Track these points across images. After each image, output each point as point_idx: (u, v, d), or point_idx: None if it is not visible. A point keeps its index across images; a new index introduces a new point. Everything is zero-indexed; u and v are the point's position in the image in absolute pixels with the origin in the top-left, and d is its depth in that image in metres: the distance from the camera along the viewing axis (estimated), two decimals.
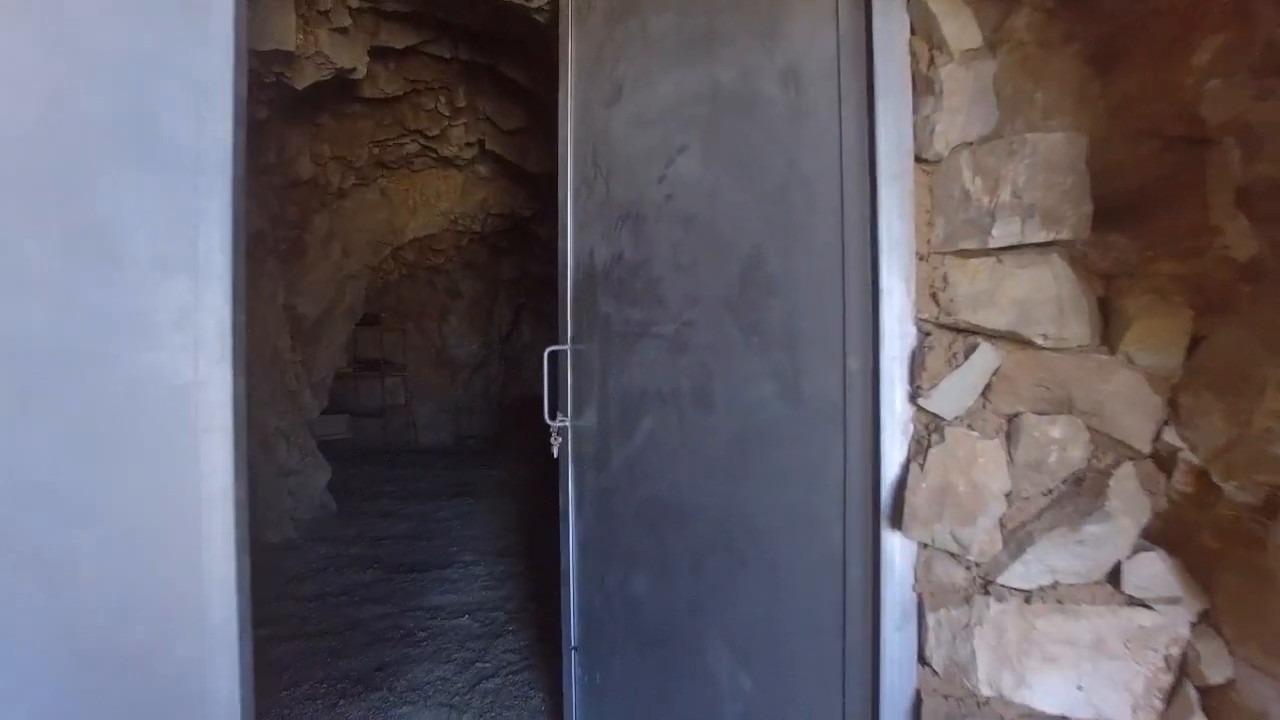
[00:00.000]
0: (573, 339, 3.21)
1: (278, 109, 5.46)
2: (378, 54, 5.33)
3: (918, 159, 1.87)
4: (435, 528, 7.54)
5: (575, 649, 3.20)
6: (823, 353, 2.06)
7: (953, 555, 1.78)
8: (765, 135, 2.25)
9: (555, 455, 3.21)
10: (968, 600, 1.75)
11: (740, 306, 2.32)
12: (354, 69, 4.78)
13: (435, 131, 6.86)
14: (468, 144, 7.31)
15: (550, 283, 11.50)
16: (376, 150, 7.20)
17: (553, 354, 3.22)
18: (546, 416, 3.15)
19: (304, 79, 4.68)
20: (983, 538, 1.72)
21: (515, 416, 13.23)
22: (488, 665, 4.47)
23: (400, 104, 6.50)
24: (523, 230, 10.10)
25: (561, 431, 3.23)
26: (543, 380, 3.23)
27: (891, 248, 1.88)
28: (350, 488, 8.97)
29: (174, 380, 1.75)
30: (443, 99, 6.44)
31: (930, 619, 1.81)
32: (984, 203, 1.74)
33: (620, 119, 2.92)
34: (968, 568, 1.77)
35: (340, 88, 5.41)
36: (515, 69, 5.52)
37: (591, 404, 3.10)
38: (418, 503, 8.50)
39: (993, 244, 1.72)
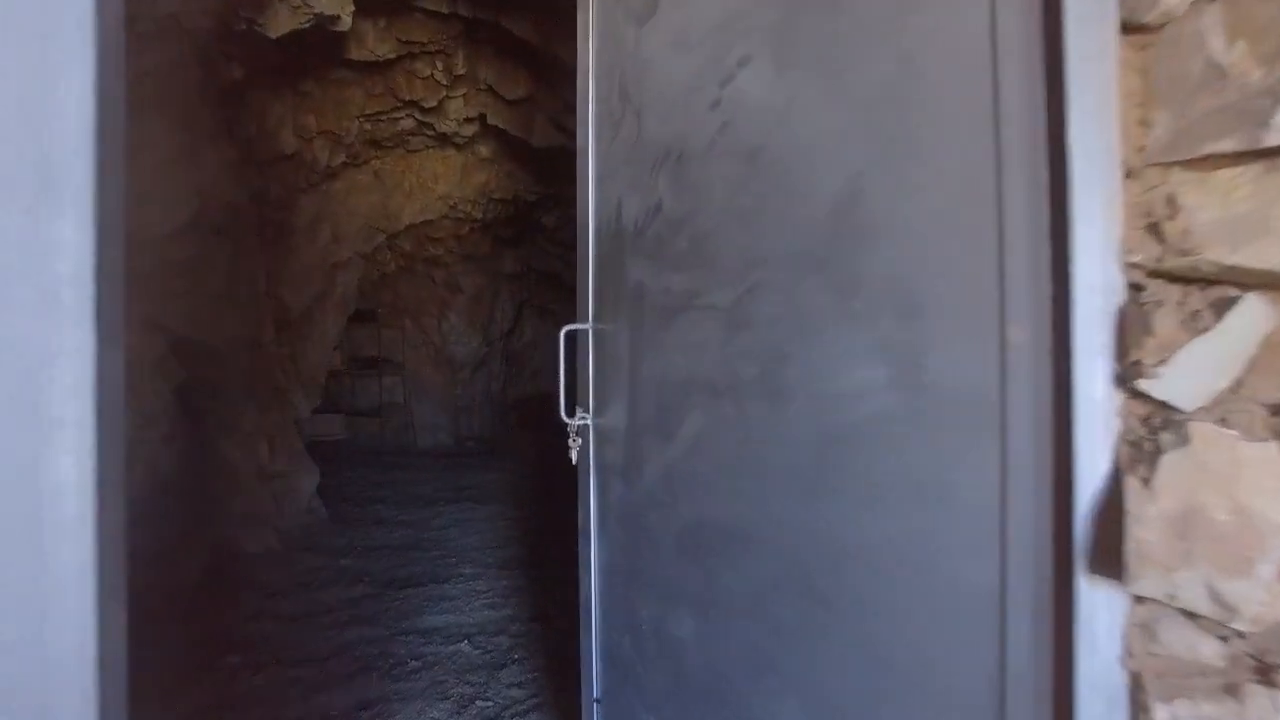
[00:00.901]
0: (595, 317, 2.60)
1: (255, 70, 4.85)
2: (366, 8, 4.72)
3: (1126, 26, 1.27)
4: (432, 537, 6.92)
5: (598, 701, 2.58)
6: (962, 320, 1.44)
7: (1197, 618, 1.18)
8: (865, 24, 1.64)
9: (574, 461, 2.61)
10: (1231, 691, 1.14)
11: (830, 262, 1.70)
12: (337, 17, 4.17)
13: (432, 103, 6.25)
14: (467, 119, 6.70)
15: (555, 278, 10.86)
16: (368, 126, 6.59)
17: (570, 335, 2.61)
18: (562, 413, 2.53)
19: (278, 26, 4.07)
20: (1261, 595, 1.11)
21: (518, 417, 12.62)
22: (489, 704, 3.84)
23: (393, 70, 5.89)
24: (527, 219, 9.49)
25: (581, 432, 2.62)
26: (557, 370, 2.63)
27: (1085, 162, 1.27)
28: (343, 492, 8.36)
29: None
30: (439, 65, 5.83)
31: (1160, 713, 1.20)
32: (1250, 78, 1.13)
33: (656, 37, 2.30)
34: (1226, 639, 1.16)
35: (324, 46, 4.80)
36: (520, 22, 4.90)
37: (619, 398, 2.48)
38: (414, 508, 7.89)
39: (1269, 140, 1.11)
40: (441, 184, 7.75)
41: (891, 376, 1.56)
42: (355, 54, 5.35)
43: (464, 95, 6.38)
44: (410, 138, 7.08)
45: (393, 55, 5.51)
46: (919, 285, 1.51)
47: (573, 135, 3.28)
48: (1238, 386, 1.17)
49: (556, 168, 7.37)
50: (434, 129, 6.76)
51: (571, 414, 2.56)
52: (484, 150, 7.55)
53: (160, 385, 4.65)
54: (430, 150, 7.45)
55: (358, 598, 5.35)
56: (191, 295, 4.71)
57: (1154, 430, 1.22)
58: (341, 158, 6.52)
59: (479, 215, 8.39)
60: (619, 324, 2.47)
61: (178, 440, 4.88)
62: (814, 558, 1.77)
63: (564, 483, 7.88)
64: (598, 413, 2.56)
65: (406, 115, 6.56)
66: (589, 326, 2.60)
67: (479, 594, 5.40)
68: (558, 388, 2.63)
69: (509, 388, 12.59)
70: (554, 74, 5.55)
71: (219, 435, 5.30)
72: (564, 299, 13.07)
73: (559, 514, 7.43)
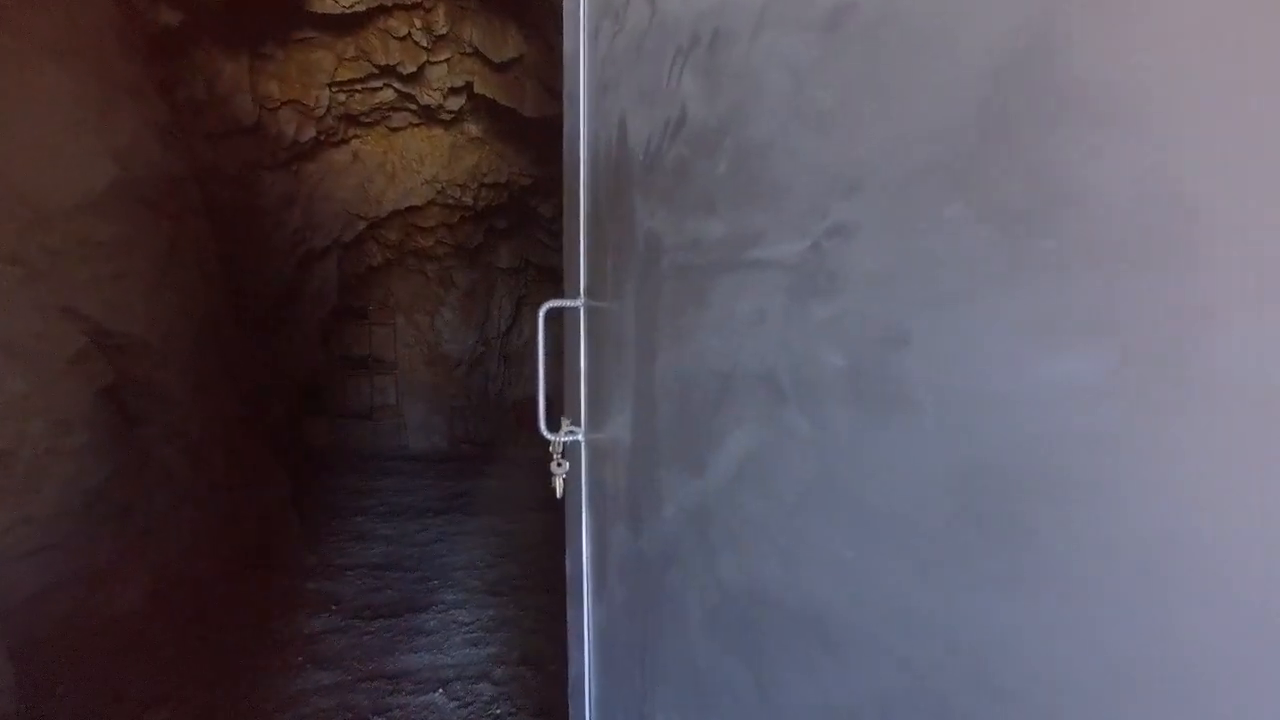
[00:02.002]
0: (588, 290, 1.81)
1: (199, 19, 4.07)
2: None
3: None
4: (415, 554, 6.13)
5: None
6: None
7: None
8: None
9: (559, 493, 1.82)
10: None
11: (985, 177, 0.91)
12: None
13: (411, 68, 5.46)
14: (452, 89, 5.90)
15: (554, 272, 10.07)
16: (342, 97, 5.80)
17: (554, 316, 1.82)
18: (542, 425, 1.73)
19: None
20: None
21: (515, 418, 11.83)
22: None
23: (365, 30, 5.10)
24: (521, 207, 8.69)
25: (569, 452, 1.84)
26: (535, 363, 1.85)
27: None
28: (322, 501, 7.57)
29: None
30: (418, 22, 5.04)
31: None
32: None
33: None
34: None
35: None
36: None
37: (623, 404, 1.68)
38: (399, 520, 7.09)
39: None
40: (428, 165, 6.96)
41: (1119, 369, 0.74)
42: (319, 6, 4.57)
43: (447, 60, 5.59)
44: (391, 113, 6.29)
45: (363, 8, 4.73)
46: (1185, 203, 0.69)
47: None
48: None
49: (553, 145, 6.58)
50: (416, 101, 5.98)
51: (555, 427, 1.76)
52: (473, 128, 6.76)
53: (78, 385, 3.87)
54: (414, 128, 6.66)
55: (320, 631, 4.56)
56: (118, 281, 3.93)
57: None
58: (312, 133, 5.73)
59: (470, 200, 7.59)
60: (622, 298, 1.68)
61: (105, 450, 4.11)
62: (957, 674, 0.97)
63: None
64: (592, 425, 1.77)
65: (384, 84, 5.77)
66: (579, 303, 1.81)
67: (460, 626, 4.60)
68: (536, 390, 1.85)
69: (507, 388, 11.80)
70: (547, 26, 4.77)
71: (160, 444, 4.52)
72: (560, 296, 12.26)
73: (556, 528, 6.67)
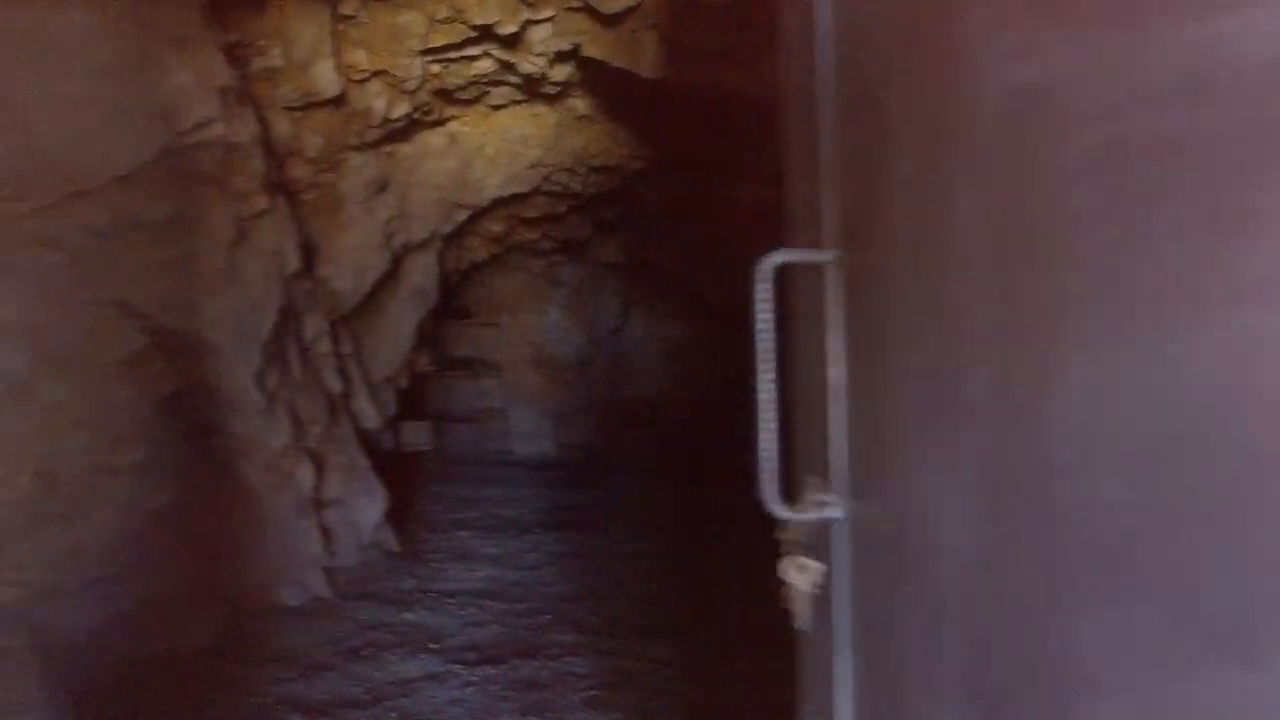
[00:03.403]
0: (848, 234, 0.92)
1: None
2: None
3: None
4: (523, 579, 5.39)
5: None
6: None
7: None
8: None
9: (796, 620, 0.95)
10: None
11: None
12: None
13: (511, 28, 4.71)
14: (558, 55, 5.13)
15: (662, 270, 9.26)
16: (436, 69, 5.11)
17: (784, 276, 0.91)
18: (770, 493, 0.85)
19: None
20: None
21: (625, 423, 11.05)
22: None
23: None
24: (629, 195, 7.88)
25: (816, 540, 0.96)
26: (766, 371, 0.94)
27: None
28: (422, 514, 6.95)
29: None
30: None
31: None
32: None
33: None
34: None
35: None
36: None
37: (949, 450, 0.77)
38: (505, 536, 6.38)
39: None
40: (532, 148, 6.23)
41: None
42: None
43: (551, 19, 4.82)
44: (491, 88, 5.58)
45: None
46: None
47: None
48: None
49: (674, 112, 5.74)
50: (517, 71, 5.23)
51: (793, 496, 0.88)
52: (580, 104, 5.98)
53: (134, 393, 3.27)
54: (516, 105, 5.94)
55: (414, 678, 3.84)
56: (174, 269, 3.32)
57: None
58: (405, 109, 5.06)
59: (577, 187, 6.83)
60: (929, 246, 0.75)
61: (169, 466, 3.52)
62: None
63: (684, 508, 6.09)
64: (866, 491, 0.86)
65: (482, 51, 5.04)
66: (827, 257, 0.91)
67: (577, 681, 3.79)
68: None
69: (616, 391, 11.05)
70: None
71: (235, 457, 3.92)
72: (673, 294, 11.46)
73: (678, 553, 5.81)
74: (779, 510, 0.83)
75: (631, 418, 11.05)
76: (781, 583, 0.89)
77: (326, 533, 4.72)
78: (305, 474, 4.37)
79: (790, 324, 0.98)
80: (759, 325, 0.87)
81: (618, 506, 7.36)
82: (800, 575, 0.87)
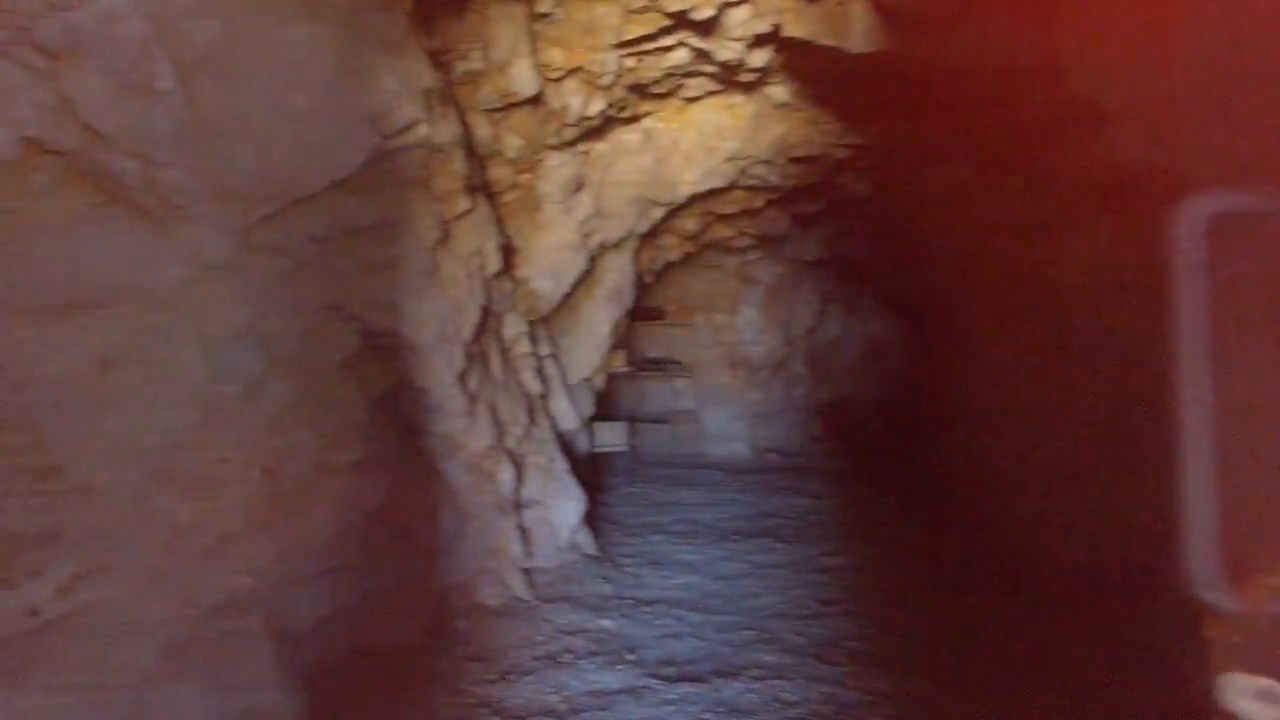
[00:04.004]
0: None
1: None
2: None
3: None
4: (721, 590, 5.14)
5: None
6: None
7: None
8: None
9: None
10: None
11: None
12: None
13: (708, 12, 4.49)
14: (756, 39, 4.85)
15: (864, 266, 8.68)
16: (630, 62, 5.00)
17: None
18: (1193, 570, 0.51)
19: None
20: None
21: (822, 426, 10.55)
22: None
23: None
24: (830, 188, 7.42)
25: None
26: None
27: None
28: (617, 517, 6.90)
29: None
30: None
31: None
32: None
33: None
34: None
35: None
36: None
37: None
38: (702, 542, 6.18)
39: None
40: (728, 140, 5.98)
41: None
42: None
43: (750, 1, 4.55)
44: (686, 80, 5.40)
45: None
46: None
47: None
48: None
49: (886, 91, 5.28)
50: (712, 59, 5.00)
51: (1238, 574, 0.55)
52: (779, 91, 5.65)
53: (351, 392, 3.37)
54: (712, 97, 5.72)
55: (611, 690, 3.70)
56: (384, 272, 3.38)
57: None
58: (600, 105, 4.99)
59: (775, 180, 6.51)
60: None
61: (383, 465, 3.60)
62: None
63: (891, 522, 5.56)
64: None
65: (677, 42, 4.86)
66: None
67: (786, 709, 3.48)
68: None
69: (812, 392, 10.57)
70: None
71: (440, 457, 3.97)
72: (874, 291, 10.76)
73: (892, 572, 5.29)
74: (1217, 596, 0.51)
75: (829, 421, 10.53)
76: (1218, 708, 0.56)
77: (525, 533, 4.73)
78: (506, 474, 4.38)
79: (1222, 310, 0.63)
80: (1182, 309, 0.55)
81: (819, 516, 6.94)
82: (1261, 706, 0.53)
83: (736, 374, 10.04)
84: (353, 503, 3.38)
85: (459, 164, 3.65)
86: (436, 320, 3.52)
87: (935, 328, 7.85)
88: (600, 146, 5.65)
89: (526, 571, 4.69)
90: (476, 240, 3.99)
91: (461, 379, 3.76)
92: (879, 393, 10.83)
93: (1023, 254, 4.66)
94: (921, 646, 4.18)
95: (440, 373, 3.59)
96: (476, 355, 3.99)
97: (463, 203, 3.78)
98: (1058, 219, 4.21)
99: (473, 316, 3.82)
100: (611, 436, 7.63)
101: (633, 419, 9.76)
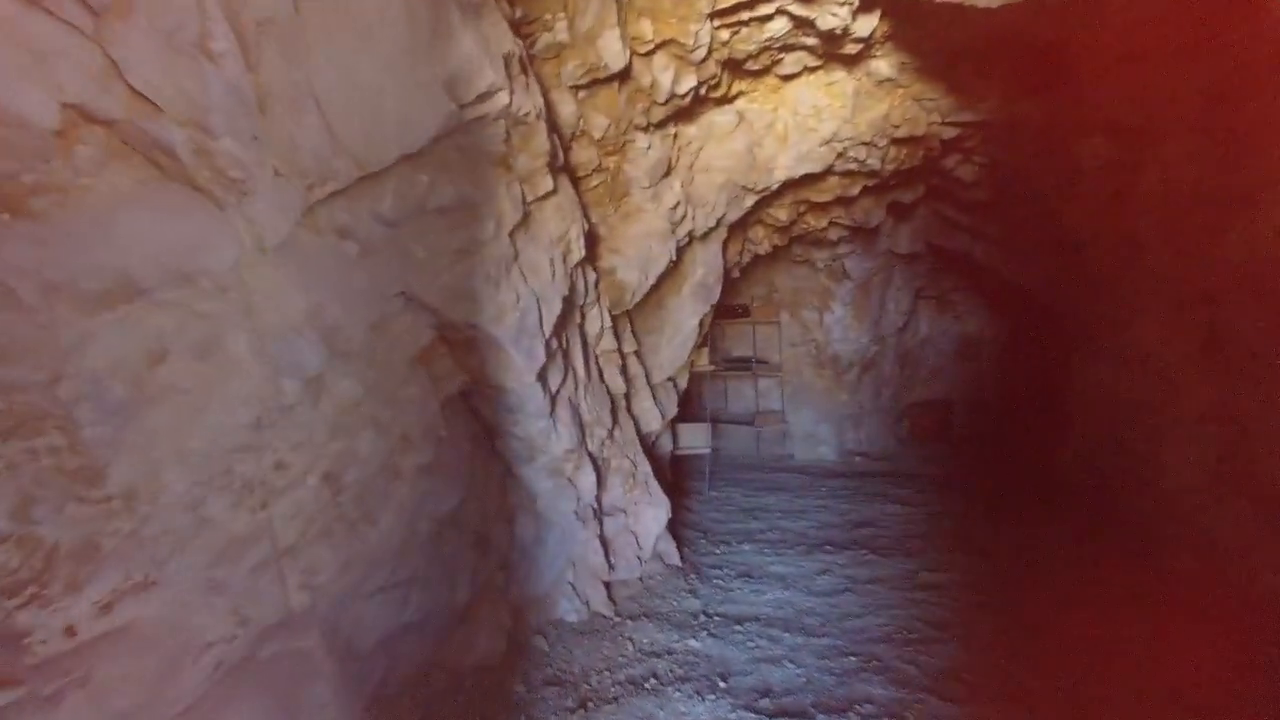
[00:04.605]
0: None
1: None
2: None
3: None
4: (817, 607, 4.66)
5: None
6: None
7: None
8: None
9: None
10: None
11: None
12: None
13: None
14: (862, 3, 4.35)
15: (962, 259, 7.96)
16: (724, 35, 4.56)
17: None
18: None
19: None
20: None
21: (914, 429, 9.89)
22: None
23: None
24: (933, 172, 6.82)
25: None
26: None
27: None
28: (702, 523, 6.47)
29: None
30: None
31: None
32: None
33: None
34: None
35: None
36: None
37: None
38: (792, 553, 5.69)
39: None
40: (826, 120, 5.47)
41: None
42: None
43: None
44: (783, 54, 4.92)
45: None
46: None
47: None
48: None
49: (1012, 61, 4.70)
50: (813, 27, 4.52)
51: None
52: (883, 65, 5.12)
53: (421, 390, 3.04)
54: (810, 74, 5.22)
55: None
56: (461, 259, 3.03)
57: None
58: (692, 82, 4.55)
59: (875, 164, 5.95)
60: None
61: (455, 469, 3.27)
62: None
63: (996, 533, 4.92)
64: None
65: (775, 10, 4.40)
66: None
67: None
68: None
69: (903, 393, 9.93)
70: None
71: (518, 460, 3.62)
72: (970, 286, 10.02)
73: (1005, 591, 4.66)
74: None
75: (921, 423, 9.87)
76: None
77: (607, 543, 4.35)
78: (587, 480, 4.01)
79: None
80: None
81: (915, 525, 6.35)
82: None
83: (823, 374, 9.48)
84: (422, 510, 3.06)
85: (541, 139, 3.28)
86: (516, 312, 3.15)
87: (1058, 322, 7.10)
88: (690, 129, 5.22)
89: (607, 585, 4.32)
90: (560, 225, 3.62)
91: (542, 376, 3.40)
92: (971, 394, 10.10)
93: (1213, 230, 3.92)
94: (1051, 678, 3.62)
95: (519, 369, 3.23)
96: (558, 351, 3.62)
97: (546, 183, 3.41)
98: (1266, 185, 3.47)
99: (555, 308, 3.45)
100: (695, 438, 7.20)
101: (716, 420, 9.32)
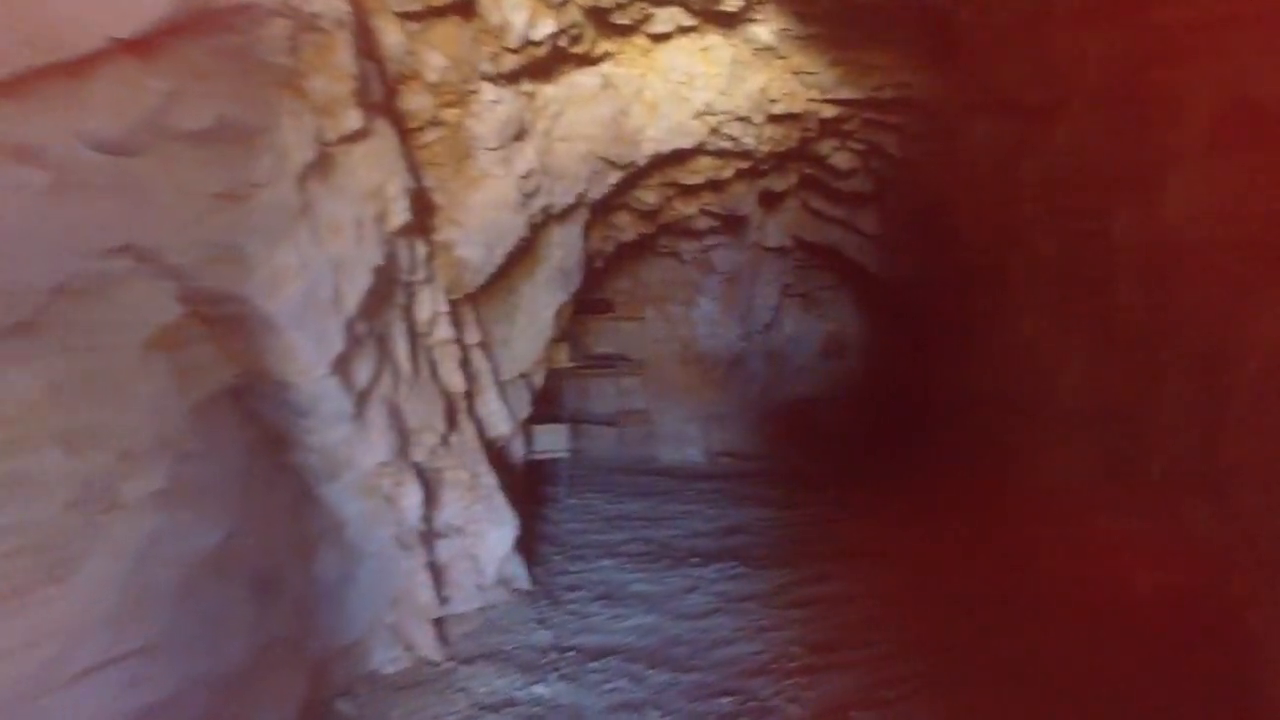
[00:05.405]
0: None
1: None
2: None
3: None
4: (687, 635, 4.03)
5: None
6: None
7: None
8: None
9: None
10: None
11: None
12: None
13: None
14: None
15: (830, 254, 7.57)
16: None
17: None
18: None
19: None
20: None
21: (783, 428, 9.57)
22: None
23: None
24: (809, 160, 6.42)
25: None
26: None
27: None
28: (557, 537, 5.74)
29: None
30: None
31: None
32: None
33: None
34: None
35: None
36: None
37: None
38: (657, 568, 5.06)
39: None
40: (700, 89, 4.89)
41: None
42: None
43: None
44: (655, 8, 4.28)
45: None
46: None
47: None
48: None
49: (893, 29, 4.26)
50: None
51: None
52: (763, 32, 4.59)
53: (162, 387, 2.16)
54: (684, 36, 4.61)
55: None
56: (224, 208, 2.18)
57: None
58: (550, 28, 3.83)
59: (751, 142, 5.44)
60: None
61: (222, 492, 2.40)
62: None
63: (876, 537, 4.47)
64: None
65: None
66: None
67: None
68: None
69: (770, 391, 9.59)
70: None
71: (317, 478, 2.79)
72: (839, 283, 9.84)
73: (898, 604, 4.18)
74: None
75: (791, 422, 9.55)
76: None
77: (439, 572, 3.55)
78: (412, 498, 3.19)
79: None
80: None
81: (790, 531, 5.91)
82: None
83: (690, 371, 8.98)
84: (158, 553, 2.17)
85: (345, 59, 2.46)
86: (301, 281, 2.32)
87: (933, 318, 6.84)
88: (549, 89, 4.48)
89: (439, 622, 3.52)
90: (375, 177, 2.79)
91: (342, 369, 2.58)
92: (841, 393, 9.93)
93: (1107, 213, 3.52)
94: (954, 702, 3.18)
95: (306, 358, 2.40)
96: (368, 337, 2.80)
97: (353, 119, 2.58)
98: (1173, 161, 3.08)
99: (362, 282, 2.63)
100: (551, 441, 6.47)
101: (577, 420, 8.61)
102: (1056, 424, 4.29)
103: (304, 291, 2.32)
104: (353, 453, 2.78)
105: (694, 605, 4.46)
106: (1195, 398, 3.13)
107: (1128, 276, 3.38)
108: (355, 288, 2.58)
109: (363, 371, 2.76)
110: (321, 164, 2.48)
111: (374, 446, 2.85)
